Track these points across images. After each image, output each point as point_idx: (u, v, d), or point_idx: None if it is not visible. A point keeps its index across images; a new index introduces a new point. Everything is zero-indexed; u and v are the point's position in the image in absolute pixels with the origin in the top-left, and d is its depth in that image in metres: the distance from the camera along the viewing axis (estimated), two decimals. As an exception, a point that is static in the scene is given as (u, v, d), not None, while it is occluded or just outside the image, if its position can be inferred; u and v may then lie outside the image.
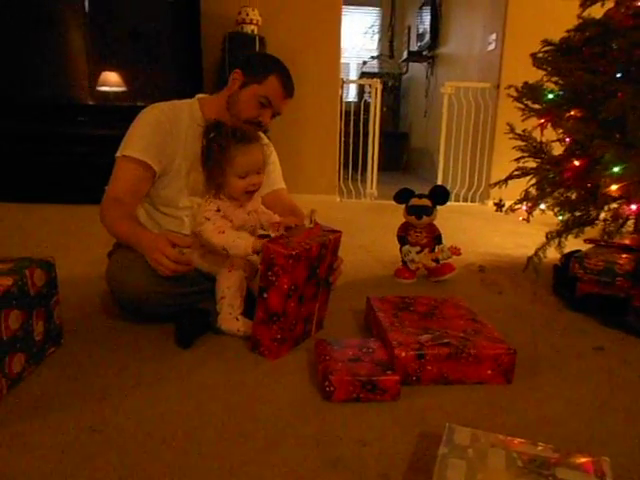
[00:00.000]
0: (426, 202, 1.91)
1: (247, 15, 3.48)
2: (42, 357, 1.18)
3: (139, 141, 1.42)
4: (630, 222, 1.97)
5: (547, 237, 1.90)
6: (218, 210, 1.34)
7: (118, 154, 1.43)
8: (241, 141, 1.32)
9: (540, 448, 0.82)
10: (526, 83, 1.96)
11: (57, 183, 3.40)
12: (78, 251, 2.20)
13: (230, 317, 1.34)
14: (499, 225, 3.10)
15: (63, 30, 3.45)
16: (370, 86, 4.09)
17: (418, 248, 1.93)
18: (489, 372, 1.15)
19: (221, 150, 1.31)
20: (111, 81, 3.55)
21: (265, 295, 1.21)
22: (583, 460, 0.80)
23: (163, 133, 1.43)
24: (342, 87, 4.04)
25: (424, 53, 5.86)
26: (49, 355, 1.21)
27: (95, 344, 1.30)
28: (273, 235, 1.28)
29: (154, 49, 3.57)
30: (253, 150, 1.34)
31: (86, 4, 3.36)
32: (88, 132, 3.39)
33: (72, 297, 1.56)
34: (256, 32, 3.50)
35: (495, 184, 2.08)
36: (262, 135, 1.71)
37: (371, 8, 7.05)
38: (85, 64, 3.48)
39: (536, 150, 2.01)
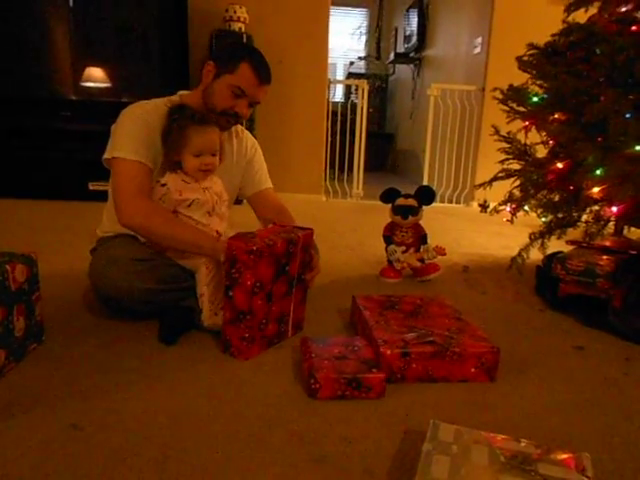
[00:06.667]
0: (412, 202, 1.93)
1: (234, 12, 3.47)
2: (23, 353, 1.16)
3: (129, 142, 1.38)
4: (611, 224, 2.01)
5: (530, 238, 1.93)
6: (163, 185, 1.36)
7: (107, 156, 1.39)
8: (199, 123, 1.37)
9: (523, 444, 0.84)
10: (511, 86, 1.98)
11: (40, 178, 3.34)
12: (61, 247, 2.17)
13: (211, 313, 1.33)
14: (483, 226, 3.13)
15: (47, 25, 3.40)
16: (357, 87, 4.11)
17: (404, 248, 1.95)
18: (473, 370, 1.16)
19: (180, 130, 1.36)
20: (95, 76, 3.51)
21: (230, 293, 1.20)
22: (564, 456, 0.81)
23: (151, 131, 1.40)
24: (329, 87, 4.04)
25: (411, 55, 5.89)
26: (30, 351, 1.19)
27: (77, 341, 1.28)
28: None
29: (140, 45, 3.54)
30: (209, 132, 1.38)
31: (70, -1, 3.32)
32: (72, 127, 3.34)
33: (55, 293, 1.54)
34: (243, 30, 3.49)
35: (480, 185, 2.10)
36: (248, 135, 1.70)
37: (359, 9, 7.08)
38: (69, 59, 3.43)
39: (520, 152, 2.04)
